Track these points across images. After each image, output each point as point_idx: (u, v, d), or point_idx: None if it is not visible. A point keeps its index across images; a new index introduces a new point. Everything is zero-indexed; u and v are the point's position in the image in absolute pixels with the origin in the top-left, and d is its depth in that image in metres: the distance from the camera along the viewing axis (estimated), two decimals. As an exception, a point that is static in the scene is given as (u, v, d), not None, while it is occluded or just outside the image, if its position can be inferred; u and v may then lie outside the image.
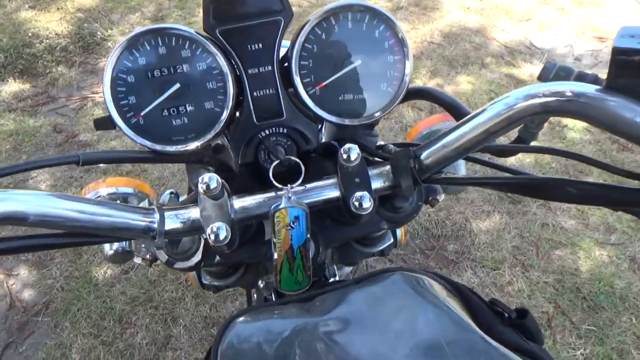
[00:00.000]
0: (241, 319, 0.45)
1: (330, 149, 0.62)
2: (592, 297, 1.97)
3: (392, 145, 0.65)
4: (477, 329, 0.40)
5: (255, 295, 0.93)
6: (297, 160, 0.53)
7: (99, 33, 3.37)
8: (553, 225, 2.20)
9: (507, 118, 0.44)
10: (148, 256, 0.60)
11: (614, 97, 0.40)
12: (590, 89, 0.41)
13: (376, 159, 0.56)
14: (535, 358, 0.40)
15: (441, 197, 0.65)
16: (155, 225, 0.49)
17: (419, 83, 3.04)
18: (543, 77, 0.46)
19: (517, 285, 2.02)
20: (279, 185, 0.51)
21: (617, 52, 0.39)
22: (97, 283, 1.93)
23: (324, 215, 0.55)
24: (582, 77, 0.44)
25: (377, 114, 0.56)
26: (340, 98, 0.56)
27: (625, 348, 1.83)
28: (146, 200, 0.72)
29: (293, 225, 0.50)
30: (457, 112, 0.58)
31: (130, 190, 0.73)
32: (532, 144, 0.54)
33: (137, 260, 0.60)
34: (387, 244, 0.87)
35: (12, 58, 3.14)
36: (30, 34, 3.32)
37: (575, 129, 2.72)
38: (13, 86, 3.02)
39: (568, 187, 0.44)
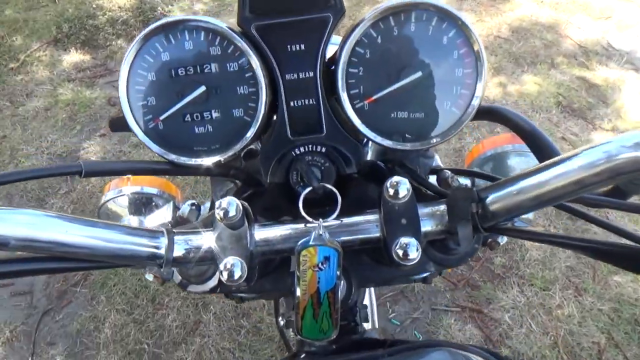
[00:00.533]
0: None
1: (376, 171, 0.54)
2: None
3: (449, 173, 0.55)
4: None
5: (284, 304, 0.86)
6: (334, 189, 0.44)
7: (159, 8, 3.39)
8: (616, 247, 2.01)
9: (607, 170, 0.34)
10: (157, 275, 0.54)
11: None
12: None
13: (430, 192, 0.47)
14: None
15: (503, 240, 0.55)
16: (162, 252, 0.42)
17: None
18: None
19: (567, 310, 1.86)
20: (309, 219, 0.43)
21: None
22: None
23: (360, 250, 0.46)
24: None
25: (434, 140, 0.46)
26: (392, 116, 0.47)
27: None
28: (170, 203, 0.66)
29: (322, 267, 0.42)
30: (537, 143, 0.46)
31: (154, 190, 0.68)
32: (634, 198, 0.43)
33: (149, 277, 0.54)
34: (430, 271, 0.78)
35: (75, 29, 3.22)
36: (94, 6, 3.39)
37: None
38: (74, 56, 3.10)
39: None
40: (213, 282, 0.52)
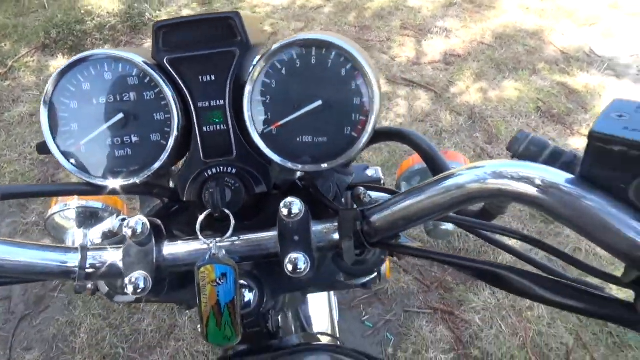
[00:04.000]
0: None
1: (293, 189, 0.57)
2: (619, 334, 1.82)
3: (362, 189, 0.59)
4: None
5: None
6: (228, 212, 0.48)
7: (147, 14, 3.43)
8: (586, 250, 2.05)
9: (462, 196, 0.38)
10: (89, 285, 0.58)
11: (587, 192, 0.33)
12: (559, 178, 0.34)
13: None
14: None
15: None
16: (76, 268, 0.46)
17: (461, 86, 2.90)
18: (512, 149, 0.39)
19: (537, 312, 1.89)
20: (203, 239, 0.47)
21: (594, 137, 0.32)
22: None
23: (273, 262, 0.50)
24: (556, 157, 0.36)
25: (336, 161, 0.49)
26: (298, 140, 0.50)
27: (652, 394, 1.69)
28: (114, 216, 0.70)
29: (220, 282, 0.45)
30: (431, 161, 0.50)
31: (99, 204, 0.72)
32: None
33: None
34: (369, 278, 0.82)
35: (63, 34, 3.26)
36: (83, 11, 3.43)
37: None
38: (62, 62, 3.13)
39: (529, 282, 0.37)
40: (137, 294, 0.56)
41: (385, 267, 0.84)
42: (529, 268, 0.43)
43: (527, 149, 0.38)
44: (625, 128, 0.31)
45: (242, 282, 0.53)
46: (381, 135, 0.53)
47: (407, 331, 1.87)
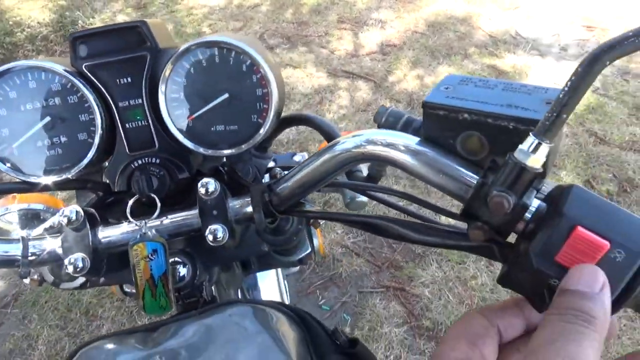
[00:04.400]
0: (87, 348, 0.48)
1: (217, 172, 0.65)
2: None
3: (278, 170, 0.67)
4: None
5: None
6: (153, 195, 0.55)
7: (80, 22, 3.37)
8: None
9: (337, 162, 0.46)
10: (36, 277, 0.63)
11: (427, 149, 0.42)
12: (407, 140, 0.43)
13: None
14: None
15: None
16: (19, 256, 0.52)
17: (399, 75, 3.03)
18: (377, 120, 0.48)
19: (480, 279, 2.04)
20: (134, 221, 0.54)
21: (426, 106, 0.41)
22: (67, 275, 1.98)
23: (203, 239, 0.57)
24: (408, 125, 0.46)
25: (246, 145, 0.57)
26: (212, 129, 0.57)
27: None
28: (56, 216, 0.75)
29: (152, 257, 0.52)
30: (330, 138, 0.59)
31: (40, 206, 0.76)
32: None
33: (26, 281, 0.63)
34: (304, 254, 0.90)
35: (-7, 47, 3.15)
36: (11, 22, 3.32)
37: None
38: (-6, 76, 3.04)
39: (401, 228, 0.46)
40: (81, 279, 0.62)
41: (319, 242, 0.93)
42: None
43: (387, 120, 0.47)
44: (447, 97, 0.40)
45: (176, 259, 0.60)
46: (289, 121, 0.61)
47: (363, 310, 1.97)
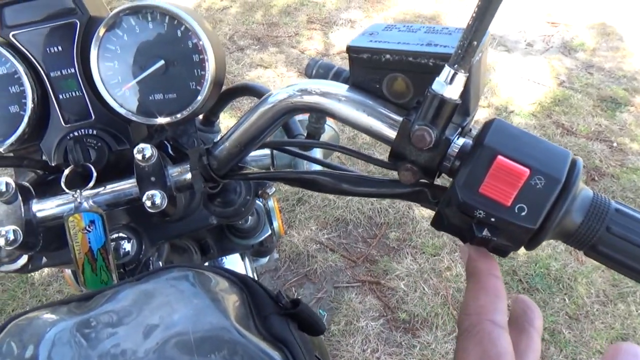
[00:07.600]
0: (19, 319, 0.46)
1: (161, 144, 0.63)
2: (527, 280, 2.02)
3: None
4: (234, 323, 0.41)
5: None
6: (88, 165, 0.53)
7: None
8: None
9: (272, 115, 0.45)
10: (-26, 259, 0.60)
11: (355, 95, 0.41)
12: (336, 87, 0.42)
13: None
14: (286, 345, 0.42)
15: (271, 190, 0.66)
16: None
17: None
18: (307, 72, 0.47)
19: (455, 270, 2.05)
20: (68, 191, 0.52)
21: (350, 50, 0.40)
22: (34, 282, 1.92)
23: (148, 214, 0.55)
24: (338, 75, 0.45)
25: (185, 112, 0.55)
26: (150, 98, 0.56)
27: (557, 328, 1.88)
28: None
29: (89, 229, 0.50)
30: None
31: None
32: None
33: (-31, 268, 0.60)
34: (264, 236, 0.89)
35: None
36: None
37: (521, 114, 2.77)
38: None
39: (337, 181, 0.45)
40: (23, 260, 0.60)
41: (278, 223, 0.91)
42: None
43: (317, 72, 0.46)
44: (371, 41, 0.40)
45: (120, 234, 0.58)
46: (231, 92, 0.60)
47: (339, 305, 1.96)
